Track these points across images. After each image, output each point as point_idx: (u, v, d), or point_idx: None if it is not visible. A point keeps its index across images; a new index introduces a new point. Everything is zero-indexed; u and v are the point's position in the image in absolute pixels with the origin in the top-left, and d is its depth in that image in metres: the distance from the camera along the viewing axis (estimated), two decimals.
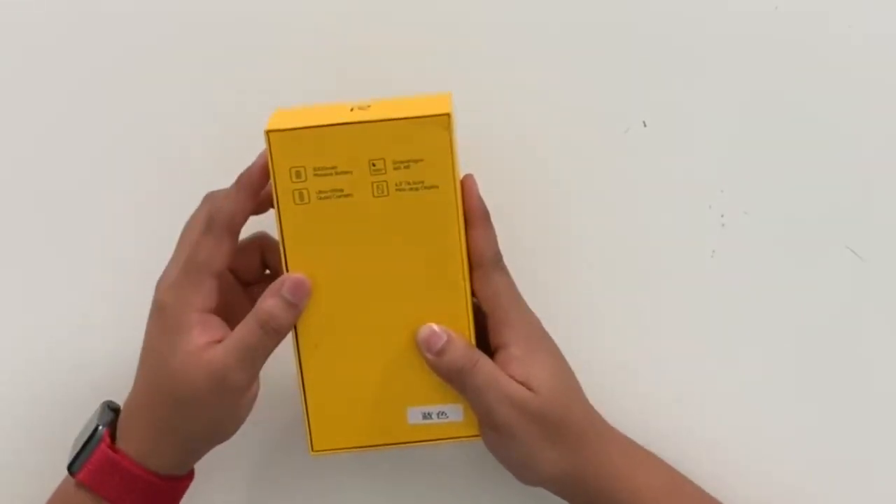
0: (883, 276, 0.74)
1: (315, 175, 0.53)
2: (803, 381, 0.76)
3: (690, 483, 0.71)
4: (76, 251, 0.76)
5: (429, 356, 0.54)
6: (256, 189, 0.56)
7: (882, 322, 0.75)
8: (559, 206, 0.76)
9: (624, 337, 0.77)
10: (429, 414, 0.55)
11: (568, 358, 0.67)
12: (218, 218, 0.54)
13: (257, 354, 0.54)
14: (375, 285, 0.55)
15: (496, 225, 0.63)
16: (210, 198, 0.57)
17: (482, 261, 0.57)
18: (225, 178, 0.61)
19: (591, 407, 0.63)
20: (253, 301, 0.57)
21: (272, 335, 0.54)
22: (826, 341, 0.75)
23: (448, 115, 0.54)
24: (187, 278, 0.54)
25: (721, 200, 0.74)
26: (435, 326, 0.54)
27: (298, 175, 0.54)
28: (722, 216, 0.75)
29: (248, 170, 0.56)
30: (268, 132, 0.54)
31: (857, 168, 0.74)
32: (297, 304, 0.54)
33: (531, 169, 0.75)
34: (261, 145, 0.59)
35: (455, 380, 0.55)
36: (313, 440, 0.58)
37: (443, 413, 0.55)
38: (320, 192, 0.53)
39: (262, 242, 0.61)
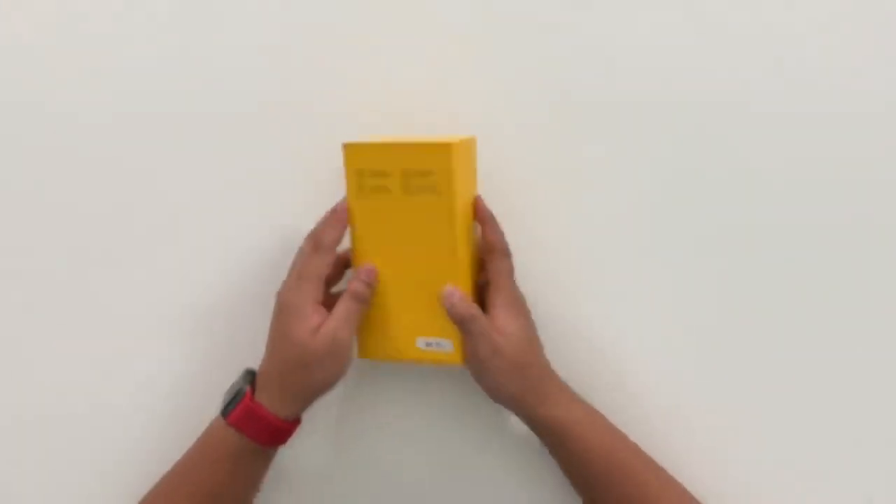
0: (883, 276, 0.75)
1: (370, 175, 0.75)
2: (803, 381, 0.76)
3: (629, 441, 0.76)
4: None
5: (447, 305, 0.76)
6: (344, 221, 0.77)
7: (882, 322, 0.75)
8: (559, 208, 0.77)
9: (624, 337, 0.77)
10: (430, 343, 0.77)
11: (567, 359, 0.78)
12: (324, 242, 0.77)
13: (353, 317, 0.76)
14: (406, 254, 0.76)
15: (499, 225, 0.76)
16: (312, 233, 0.78)
17: (495, 248, 0.77)
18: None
19: (547, 362, 0.78)
20: (333, 296, 0.79)
21: (362, 303, 0.77)
22: (826, 341, 0.75)
23: (451, 144, 0.73)
24: (303, 282, 0.76)
25: (723, 204, 0.75)
26: (451, 287, 0.76)
27: (360, 174, 0.75)
28: (722, 218, 0.75)
29: (339, 206, 0.77)
30: (344, 145, 0.76)
31: (858, 169, 0.74)
32: (371, 283, 0.77)
33: (531, 169, 0.77)
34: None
35: (460, 324, 0.76)
36: (359, 349, 0.80)
37: (439, 343, 0.77)
38: (373, 187, 0.75)
39: (342, 258, 0.81)
